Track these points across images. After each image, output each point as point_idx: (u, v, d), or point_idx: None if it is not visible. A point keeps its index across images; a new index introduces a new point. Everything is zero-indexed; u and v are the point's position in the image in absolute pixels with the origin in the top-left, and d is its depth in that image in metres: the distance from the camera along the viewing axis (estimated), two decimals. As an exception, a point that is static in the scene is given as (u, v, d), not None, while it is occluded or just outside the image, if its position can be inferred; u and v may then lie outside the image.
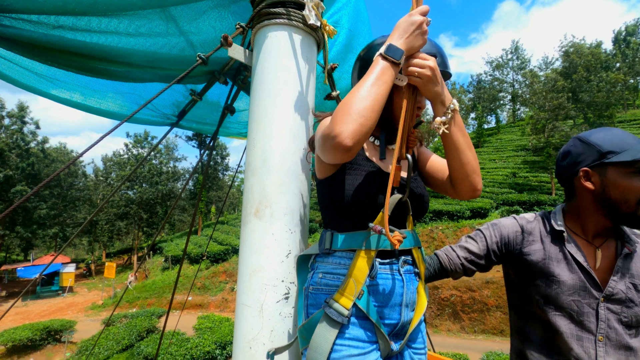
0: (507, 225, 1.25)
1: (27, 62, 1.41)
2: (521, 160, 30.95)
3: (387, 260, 0.98)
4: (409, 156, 0.95)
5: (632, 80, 41.13)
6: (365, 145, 1.07)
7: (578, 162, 1.11)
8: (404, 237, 0.88)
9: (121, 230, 35.69)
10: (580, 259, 1.10)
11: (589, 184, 1.09)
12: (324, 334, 0.90)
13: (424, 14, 0.88)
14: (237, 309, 1.17)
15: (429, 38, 0.96)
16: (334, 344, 0.90)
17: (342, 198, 0.98)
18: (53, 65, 1.35)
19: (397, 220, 1.01)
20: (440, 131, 0.94)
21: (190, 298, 19.29)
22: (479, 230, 1.31)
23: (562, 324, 1.09)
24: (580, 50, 30.06)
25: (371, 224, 0.91)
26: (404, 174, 1.04)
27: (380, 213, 0.95)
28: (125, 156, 35.65)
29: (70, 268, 26.68)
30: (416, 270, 1.04)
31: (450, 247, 1.33)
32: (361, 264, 0.93)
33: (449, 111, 0.93)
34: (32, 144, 32.96)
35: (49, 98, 1.68)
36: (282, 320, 1.13)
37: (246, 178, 1.24)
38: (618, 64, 39.84)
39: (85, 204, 36.54)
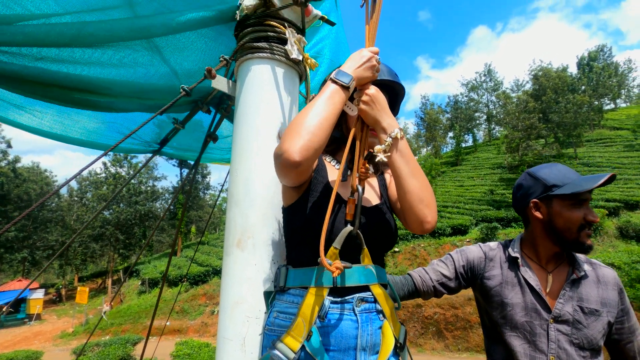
0: (473, 251, 1.37)
1: (6, 94, 1.38)
2: (498, 178, 31.85)
3: (339, 299, 0.90)
4: (360, 187, 0.93)
5: (596, 102, 43.59)
6: (328, 173, 1.04)
7: (529, 194, 1.24)
8: (345, 267, 0.82)
9: (95, 253, 33.91)
10: (533, 282, 1.19)
11: (538, 214, 1.22)
12: None
13: (374, 53, 0.97)
14: (219, 342, 1.15)
15: (385, 64, 1.07)
16: None
17: (297, 227, 0.94)
18: (34, 98, 1.33)
19: (351, 254, 0.93)
20: (377, 159, 0.92)
21: (168, 323, 18.46)
22: (449, 254, 1.42)
23: (517, 344, 1.17)
24: (548, 74, 31.87)
25: (320, 258, 0.83)
26: (366, 203, 1.01)
27: (332, 247, 0.88)
28: (103, 175, 34.55)
29: (39, 294, 25.10)
30: (379, 308, 0.94)
31: (423, 269, 1.42)
32: (311, 302, 0.87)
33: (389, 139, 0.92)
34: (3, 163, 31.56)
35: (28, 131, 1.64)
36: (265, 353, 1.11)
37: (228, 208, 1.24)
38: (583, 87, 42.32)
39: (57, 226, 34.78)
